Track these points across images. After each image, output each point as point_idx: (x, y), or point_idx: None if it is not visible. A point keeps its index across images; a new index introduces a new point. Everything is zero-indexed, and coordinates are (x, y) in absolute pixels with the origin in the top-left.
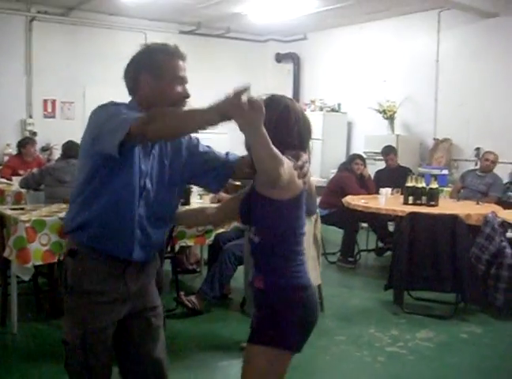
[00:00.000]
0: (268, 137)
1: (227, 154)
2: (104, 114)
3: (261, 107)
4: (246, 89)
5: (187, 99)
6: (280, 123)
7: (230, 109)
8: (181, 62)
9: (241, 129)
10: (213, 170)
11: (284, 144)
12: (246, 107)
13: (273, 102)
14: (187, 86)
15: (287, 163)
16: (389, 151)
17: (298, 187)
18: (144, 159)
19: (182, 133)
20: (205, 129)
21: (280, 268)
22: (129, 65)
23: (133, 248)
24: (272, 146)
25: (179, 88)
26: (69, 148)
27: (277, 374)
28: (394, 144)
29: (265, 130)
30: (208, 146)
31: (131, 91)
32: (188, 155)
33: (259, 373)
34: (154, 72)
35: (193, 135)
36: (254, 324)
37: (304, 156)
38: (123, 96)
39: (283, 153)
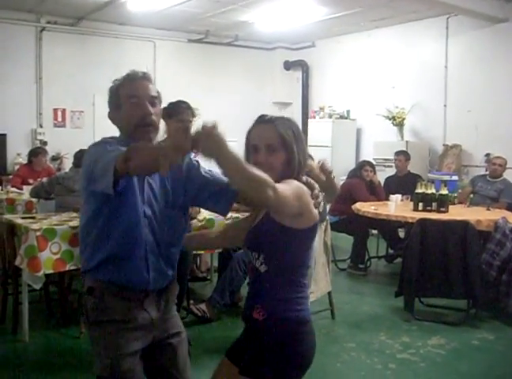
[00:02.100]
0: (239, 159)
1: None
2: (94, 155)
3: (210, 133)
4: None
5: (150, 118)
6: (301, 142)
7: (178, 146)
8: (135, 83)
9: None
10: (217, 193)
11: (302, 168)
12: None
13: (286, 120)
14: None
15: (296, 188)
16: (399, 153)
17: (315, 216)
18: (139, 187)
19: (156, 171)
20: (170, 166)
21: (285, 300)
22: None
23: (150, 276)
24: (250, 167)
25: (134, 109)
26: (81, 157)
27: None
28: None
29: (231, 153)
30: (210, 170)
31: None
32: (187, 177)
33: None
34: (113, 105)
35: (192, 158)
36: (249, 356)
37: (316, 184)
38: None
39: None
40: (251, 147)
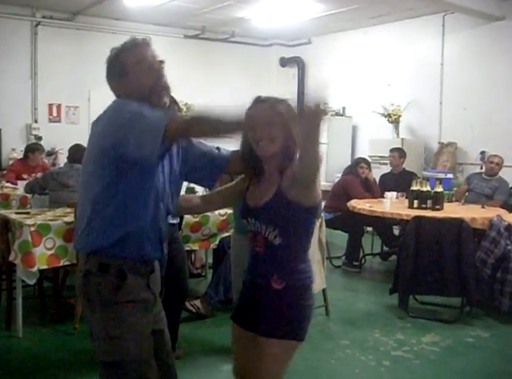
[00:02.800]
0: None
1: (218, 148)
2: (125, 114)
3: (320, 112)
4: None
5: (164, 80)
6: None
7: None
8: (140, 48)
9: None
10: (208, 164)
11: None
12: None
13: (280, 99)
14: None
15: None
16: (393, 150)
17: (320, 195)
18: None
19: (220, 137)
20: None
21: (298, 271)
22: (106, 75)
23: (162, 247)
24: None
25: (147, 73)
26: (75, 152)
27: (288, 361)
28: None
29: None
30: (199, 142)
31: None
32: (187, 149)
33: (278, 363)
34: (116, 73)
35: None
36: (270, 320)
37: None
38: None
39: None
40: (249, 126)
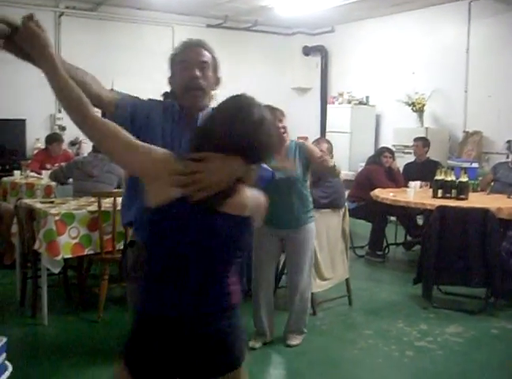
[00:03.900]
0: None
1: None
2: None
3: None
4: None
5: (197, 81)
6: (223, 121)
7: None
8: (187, 49)
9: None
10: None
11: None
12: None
13: (227, 101)
14: None
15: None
16: (417, 139)
17: (167, 194)
18: None
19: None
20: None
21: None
22: None
23: None
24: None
25: (183, 73)
26: None
27: None
28: None
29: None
30: None
31: None
32: None
33: None
34: (170, 71)
35: None
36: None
37: (200, 165)
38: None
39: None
40: None
